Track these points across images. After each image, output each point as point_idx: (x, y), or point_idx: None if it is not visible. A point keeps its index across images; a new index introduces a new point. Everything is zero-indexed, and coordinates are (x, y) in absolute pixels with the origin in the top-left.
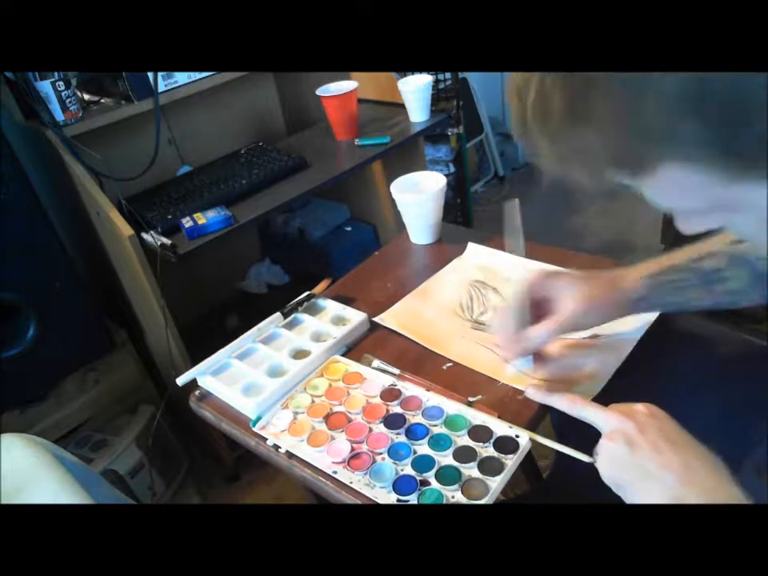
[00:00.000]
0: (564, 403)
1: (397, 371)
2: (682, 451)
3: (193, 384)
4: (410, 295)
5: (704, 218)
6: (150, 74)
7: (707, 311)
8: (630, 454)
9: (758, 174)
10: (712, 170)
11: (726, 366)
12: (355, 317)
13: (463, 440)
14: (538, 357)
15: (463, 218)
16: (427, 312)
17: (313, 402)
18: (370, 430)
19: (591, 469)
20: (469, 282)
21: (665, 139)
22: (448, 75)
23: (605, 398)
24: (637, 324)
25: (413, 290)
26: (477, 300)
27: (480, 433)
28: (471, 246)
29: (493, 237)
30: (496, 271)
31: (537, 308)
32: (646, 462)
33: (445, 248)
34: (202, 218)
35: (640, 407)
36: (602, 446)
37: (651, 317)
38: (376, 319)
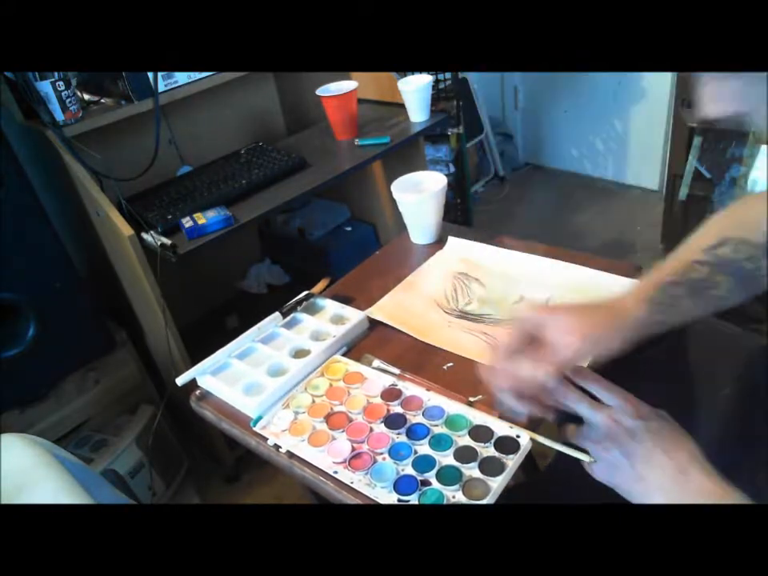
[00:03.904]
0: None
1: (397, 371)
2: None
3: (193, 384)
4: (396, 289)
5: None
6: (150, 74)
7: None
8: (621, 461)
9: None
10: None
11: (727, 365)
12: (354, 315)
13: (464, 440)
14: (534, 401)
15: (463, 218)
16: (414, 304)
17: (313, 401)
18: (371, 429)
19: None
20: (452, 274)
21: None
22: (448, 75)
23: None
24: None
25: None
26: (461, 291)
27: (481, 433)
28: (452, 240)
29: (493, 236)
30: (478, 263)
31: (532, 349)
32: (638, 467)
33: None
34: (201, 218)
35: (630, 409)
36: (593, 452)
37: None
38: (365, 312)
